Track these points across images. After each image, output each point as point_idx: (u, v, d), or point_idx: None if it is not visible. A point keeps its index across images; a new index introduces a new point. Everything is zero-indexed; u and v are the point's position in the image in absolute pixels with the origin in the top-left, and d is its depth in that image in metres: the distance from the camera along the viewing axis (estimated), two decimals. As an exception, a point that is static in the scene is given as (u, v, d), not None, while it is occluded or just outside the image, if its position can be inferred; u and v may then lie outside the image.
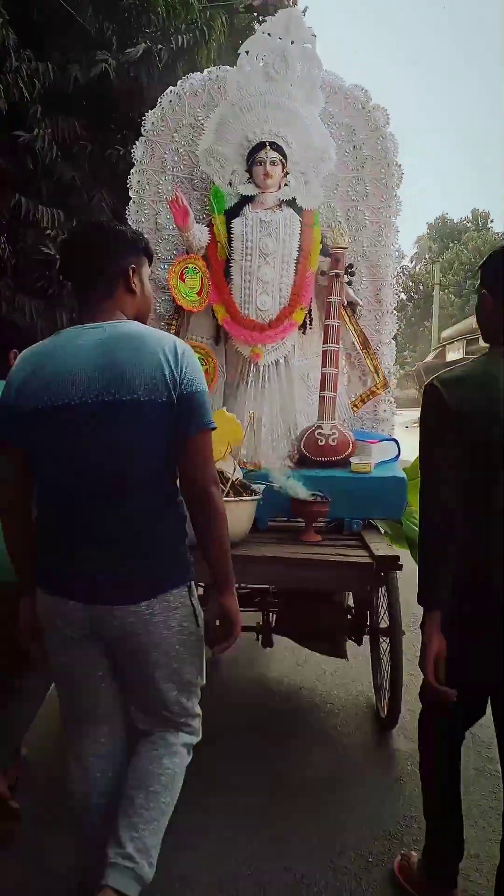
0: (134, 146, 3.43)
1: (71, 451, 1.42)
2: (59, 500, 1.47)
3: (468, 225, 32.40)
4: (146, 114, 3.42)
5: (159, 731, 1.61)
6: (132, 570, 1.45)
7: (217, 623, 1.57)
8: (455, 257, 28.56)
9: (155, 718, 1.61)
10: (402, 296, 32.60)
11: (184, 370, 1.44)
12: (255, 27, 13.60)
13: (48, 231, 5.41)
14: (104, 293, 1.53)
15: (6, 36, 5.03)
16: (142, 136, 3.35)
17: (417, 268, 35.81)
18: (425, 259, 35.34)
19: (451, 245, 30.80)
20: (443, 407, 1.52)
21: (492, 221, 31.67)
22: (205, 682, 1.66)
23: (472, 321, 25.86)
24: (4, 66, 5.15)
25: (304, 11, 16.31)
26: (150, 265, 1.65)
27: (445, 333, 28.89)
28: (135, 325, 1.51)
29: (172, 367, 1.42)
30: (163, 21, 6.33)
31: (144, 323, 1.59)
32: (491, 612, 1.50)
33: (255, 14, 13.34)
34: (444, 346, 28.05)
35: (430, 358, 28.52)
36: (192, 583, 1.57)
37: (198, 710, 1.66)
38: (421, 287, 31.87)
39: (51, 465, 1.45)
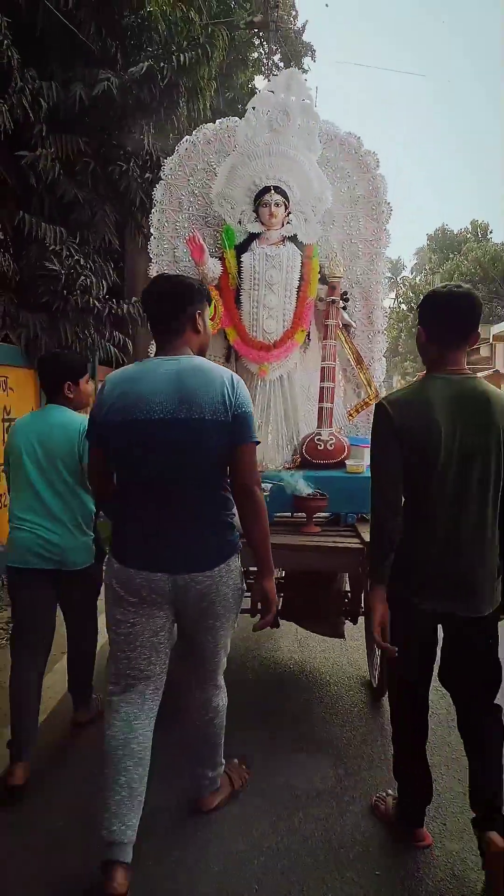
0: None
1: (152, 455, 1.86)
2: (140, 494, 1.91)
3: (468, 236, 32.87)
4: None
5: (211, 687, 2.14)
6: (207, 545, 1.92)
7: (259, 603, 2.06)
8: (455, 268, 28.91)
9: (212, 665, 2.09)
10: (403, 306, 32.92)
11: (238, 396, 1.91)
12: (255, 43, 14.09)
13: (52, 247, 5.51)
14: (178, 333, 1.99)
15: (10, 56, 5.11)
16: (161, 179, 3.83)
17: (418, 279, 36.29)
18: (426, 270, 35.81)
19: (451, 256, 31.24)
20: (389, 421, 1.94)
21: (491, 232, 32.12)
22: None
23: (472, 331, 26.31)
24: (8, 87, 5.23)
25: (304, 26, 16.90)
26: (209, 307, 2.10)
27: (446, 343, 29.21)
28: (203, 360, 1.98)
29: (230, 394, 1.89)
30: (164, 39, 6.39)
31: (203, 355, 2.06)
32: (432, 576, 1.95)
33: (256, 30, 13.88)
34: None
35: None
36: (240, 551, 2.04)
37: (228, 648, 2.15)
38: (421, 298, 32.35)
39: (134, 465, 1.90)
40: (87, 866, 1.93)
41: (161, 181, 3.83)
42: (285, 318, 3.50)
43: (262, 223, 3.53)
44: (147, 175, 6.39)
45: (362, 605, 3.31)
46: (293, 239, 3.56)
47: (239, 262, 3.53)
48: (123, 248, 7.46)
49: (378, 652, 3.18)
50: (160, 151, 6.51)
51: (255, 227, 3.55)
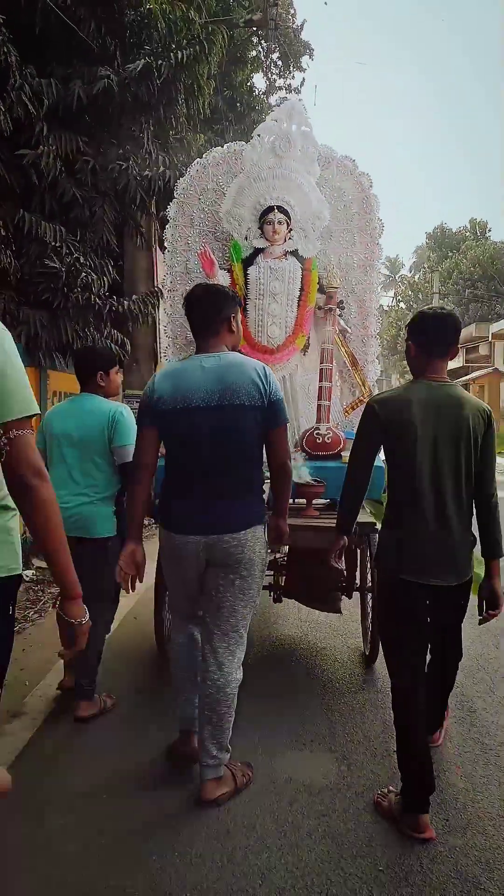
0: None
1: (198, 437, 2.26)
2: (186, 470, 2.33)
3: (467, 234, 33.36)
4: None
5: (225, 653, 2.38)
6: (237, 512, 2.33)
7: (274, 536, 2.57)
8: (454, 266, 29.42)
9: (228, 627, 2.38)
10: (402, 305, 33.50)
11: (270, 385, 2.31)
12: (254, 41, 14.39)
13: (53, 244, 5.58)
14: (215, 333, 2.38)
15: (8, 52, 5.11)
16: (174, 197, 4.28)
17: (416, 277, 36.78)
18: (424, 268, 36.30)
19: (450, 254, 31.71)
20: (375, 417, 2.37)
21: (490, 231, 32.71)
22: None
23: (471, 330, 26.69)
24: (7, 84, 5.15)
25: (303, 25, 17.25)
26: (240, 311, 2.53)
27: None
28: (238, 355, 2.42)
29: (263, 383, 2.29)
30: (164, 37, 6.44)
31: (236, 350, 2.49)
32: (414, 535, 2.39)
33: (255, 28, 14.21)
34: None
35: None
36: (265, 524, 2.44)
37: (247, 625, 2.48)
38: (420, 296, 32.78)
39: (182, 445, 2.32)
40: (86, 875, 1.99)
41: (174, 200, 4.29)
42: (287, 325, 3.96)
43: (267, 239, 4.00)
44: (146, 173, 6.48)
45: (356, 580, 3.78)
46: (294, 253, 4.03)
47: (245, 274, 4.00)
48: (122, 245, 7.63)
49: (370, 620, 3.64)
50: (159, 150, 6.69)
51: (260, 243, 4.02)
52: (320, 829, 2.23)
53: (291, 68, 16.57)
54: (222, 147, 4.33)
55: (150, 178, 6.47)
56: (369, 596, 3.69)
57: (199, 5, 7.58)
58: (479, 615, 2.48)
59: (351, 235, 4.25)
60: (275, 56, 16.05)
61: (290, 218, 3.98)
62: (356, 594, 3.82)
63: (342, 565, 2.81)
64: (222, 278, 3.98)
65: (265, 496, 2.49)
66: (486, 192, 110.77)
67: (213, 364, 2.32)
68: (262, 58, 15.20)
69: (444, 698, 2.64)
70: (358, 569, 3.79)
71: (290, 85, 16.71)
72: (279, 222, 3.95)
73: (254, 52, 14.58)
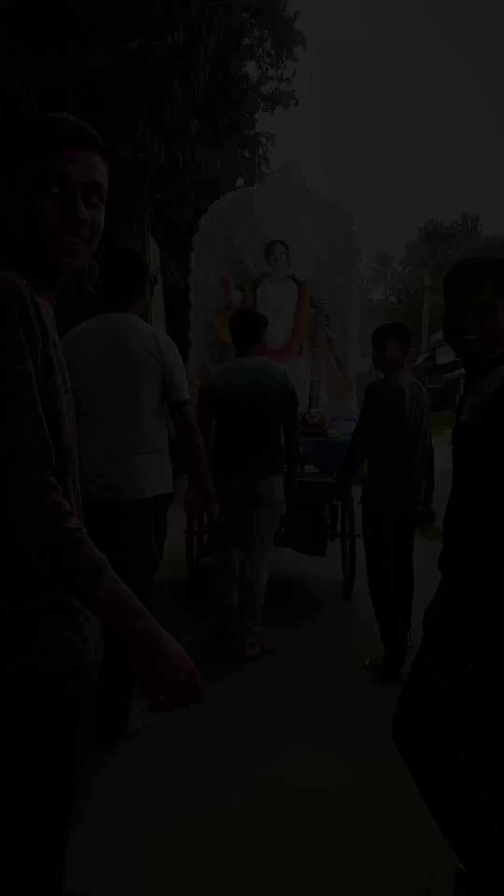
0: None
1: (239, 413, 3.63)
2: (232, 434, 3.75)
3: (458, 228, 34.89)
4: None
5: (257, 560, 3.82)
6: (266, 462, 3.65)
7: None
8: (445, 261, 30.97)
9: (258, 541, 3.80)
10: (393, 299, 35.01)
11: (287, 380, 3.65)
12: (249, 27, 15.23)
13: None
14: (251, 346, 3.74)
15: None
16: (198, 230, 5.79)
17: (407, 271, 38.30)
18: (414, 262, 37.83)
19: (439, 249, 33.23)
20: (378, 395, 3.52)
21: (481, 225, 34.34)
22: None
23: (461, 324, 28.10)
24: None
25: (295, 15, 18.28)
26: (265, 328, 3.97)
27: (436, 336, 31.11)
28: (267, 360, 3.84)
29: (283, 379, 3.63)
30: (159, 19, 6.70)
31: (263, 356, 3.94)
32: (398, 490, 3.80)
33: (249, 16, 15.16)
34: (435, 349, 30.34)
35: (420, 361, 30.90)
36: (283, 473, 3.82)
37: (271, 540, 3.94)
38: (411, 291, 34.27)
39: (230, 418, 3.76)
40: (85, 884, 1.98)
41: (198, 231, 5.81)
42: (286, 333, 5.47)
43: (271, 266, 5.53)
44: (140, 155, 6.83)
45: (338, 528, 5.28)
46: (292, 277, 5.57)
47: (254, 293, 5.50)
48: (116, 231, 8.13)
49: (348, 560, 5.15)
50: (154, 134, 7.02)
51: (266, 269, 5.54)
52: (327, 834, 2.27)
53: (284, 57, 17.68)
54: (236, 191, 5.84)
55: (144, 161, 6.88)
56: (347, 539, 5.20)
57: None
58: (420, 528, 3.90)
59: (336, 263, 5.78)
60: (268, 45, 17.10)
61: (289, 250, 5.51)
62: (337, 539, 5.33)
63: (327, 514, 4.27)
64: (236, 296, 5.50)
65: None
66: (478, 186, 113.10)
67: (251, 365, 3.79)
68: (255, 46, 16.14)
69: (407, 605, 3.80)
70: (339, 518, 5.30)
71: (282, 75, 17.72)
72: (280, 253, 5.48)
73: (247, 41, 15.50)
